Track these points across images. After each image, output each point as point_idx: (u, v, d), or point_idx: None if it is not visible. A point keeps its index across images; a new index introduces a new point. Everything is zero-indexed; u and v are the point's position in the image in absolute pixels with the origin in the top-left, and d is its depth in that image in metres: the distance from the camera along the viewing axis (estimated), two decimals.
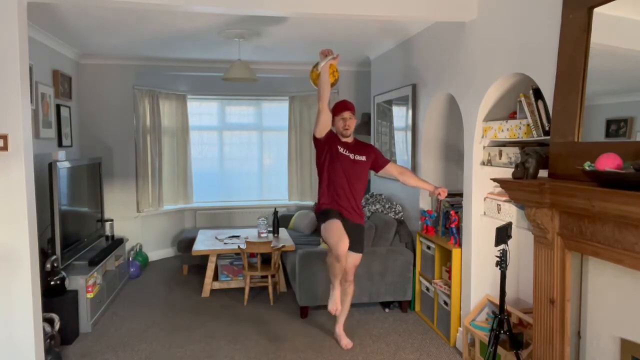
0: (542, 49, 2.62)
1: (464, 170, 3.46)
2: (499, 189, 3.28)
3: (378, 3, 3.11)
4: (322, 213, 3.40)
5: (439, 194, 3.42)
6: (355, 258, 3.48)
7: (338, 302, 3.39)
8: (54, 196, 3.77)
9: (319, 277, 4.03)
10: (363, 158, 3.44)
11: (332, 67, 3.42)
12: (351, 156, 3.40)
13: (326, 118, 3.36)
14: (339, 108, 3.42)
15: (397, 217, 4.51)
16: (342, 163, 3.37)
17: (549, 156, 2.48)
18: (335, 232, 3.22)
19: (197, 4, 2.92)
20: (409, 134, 4.45)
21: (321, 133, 3.39)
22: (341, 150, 3.39)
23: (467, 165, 3.39)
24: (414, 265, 4.20)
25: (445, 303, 3.69)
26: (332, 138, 3.41)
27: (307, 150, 6.46)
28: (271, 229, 5.18)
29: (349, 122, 3.39)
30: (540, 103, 2.64)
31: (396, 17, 3.18)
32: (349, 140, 3.45)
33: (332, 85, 3.45)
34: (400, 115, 4.68)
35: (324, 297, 4.02)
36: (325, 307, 4.05)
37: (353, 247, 3.43)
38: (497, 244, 2.60)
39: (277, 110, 6.66)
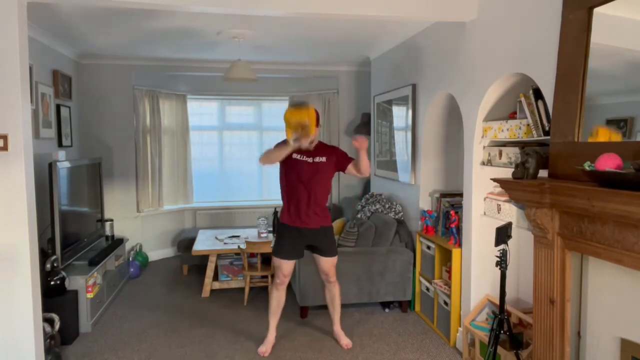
0: (542, 49, 2.62)
1: (464, 170, 3.46)
2: (499, 189, 3.28)
3: (378, 3, 3.11)
4: (278, 230, 3.50)
5: (356, 140, 3.23)
6: (330, 260, 3.51)
7: (269, 347, 3.48)
8: (54, 196, 3.77)
9: (318, 277, 4.03)
10: (323, 159, 3.40)
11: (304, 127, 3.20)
12: (308, 160, 3.36)
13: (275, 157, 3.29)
14: (288, 113, 3.22)
15: (397, 217, 4.51)
16: (298, 169, 3.34)
17: (549, 156, 2.48)
18: (279, 269, 3.42)
19: (197, 4, 2.92)
20: (409, 134, 4.45)
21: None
22: (296, 156, 3.34)
23: (467, 165, 3.39)
24: (414, 265, 4.20)
25: (445, 303, 3.69)
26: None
27: None
28: (271, 229, 5.18)
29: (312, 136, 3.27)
30: (540, 103, 2.64)
31: (396, 17, 3.18)
32: (310, 147, 3.34)
33: (300, 123, 3.21)
34: (400, 115, 4.68)
35: (324, 297, 4.01)
36: (325, 307, 4.03)
37: (325, 252, 3.48)
38: (497, 244, 2.60)
39: (277, 110, 6.66)
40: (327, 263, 3.50)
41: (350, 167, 3.45)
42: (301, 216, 3.38)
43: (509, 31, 2.93)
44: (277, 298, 3.51)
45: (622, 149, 2.04)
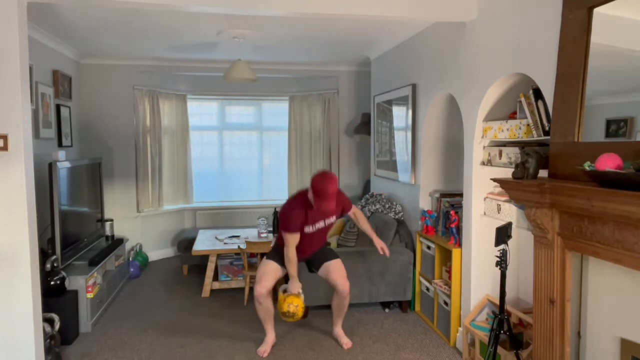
0: (542, 49, 2.62)
1: (464, 170, 3.46)
2: (499, 189, 3.28)
3: (378, 3, 3.11)
4: (274, 249, 3.53)
5: (382, 249, 3.48)
6: (336, 266, 3.48)
7: (269, 347, 3.48)
8: (54, 196, 3.77)
9: (319, 277, 4.03)
10: (332, 219, 3.44)
11: (295, 300, 3.25)
12: (320, 225, 3.37)
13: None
14: (321, 194, 3.06)
15: (397, 217, 4.51)
16: (310, 235, 3.38)
17: (549, 156, 2.48)
18: (263, 270, 3.38)
19: (197, 4, 2.92)
20: (409, 134, 4.45)
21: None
22: (308, 230, 3.32)
23: (467, 165, 3.39)
24: (414, 265, 4.20)
25: (445, 303, 3.69)
26: (299, 219, 3.24)
27: (307, 150, 6.47)
28: (271, 229, 5.18)
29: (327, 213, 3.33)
30: (540, 103, 2.64)
31: (396, 17, 3.18)
32: None
33: (285, 315, 3.26)
34: (400, 115, 4.68)
35: (324, 297, 4.02)
36: (325, 307, 4.05)
37: (329, 258, 3.52)
38: (497, 244, 2.60)
39: (277, 110, 6.67)
40: (334, 269, 3.45)
41: (350, 214, 3.59)
42: (305, 255, 3.52)
43: (509, 31, 2.93)
44: (264, 310, 3.42)
45: (622, 149, 2.04)
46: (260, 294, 3.34)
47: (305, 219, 3.27)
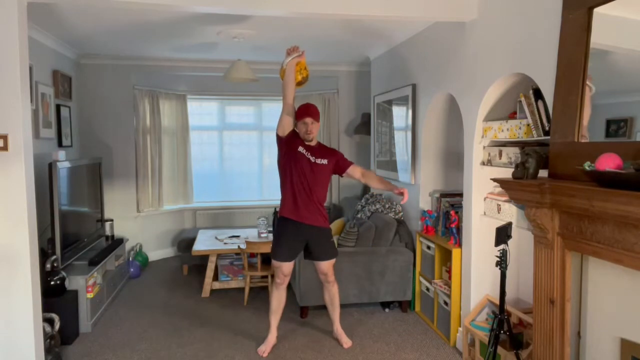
0: (542, 49, 2.62)
1: (464, 170, 3.46)
2: (499, 189, 3.28)
3: (378, 3, 3.11)
4: (276, 229, 3.51)
5: (401, 193, 3.36)
6: (329, 261, 3.52)
7: (269, 347, 3.49)
8: (54, 196, 3.77)
9: (319, 278, 4.03)
10: (325, 162, 3.42)
11: (300, 64, 3.40)
12: (312, 158, 3.38)
13: (288, 118, 3.36)
14: (301, 112, 3.37)
15: (397, 217, 4.51)
16: (302, 164, 3.36)
17: (549, 156, 2.48)
18: (279, 269, 3.43)
19: (197, 4, 2.92)
20: (409, 134, 4.45)
21: (283, 132, 3.40)
22: (301, 150, 3.37)
23: (467, 165, 3.39)
24: (414, 265, 4.20)
25: (445, 303, 3.69)
26: (294, 138, 3.40)
27: None
28: (271, 229, 5.18)
29: (311, 127, 3.37)
30: (540, 103, 2.64)
31: (396, 17, 3.18)
32: (312, 144, 3.43)
33: (301, 84, 3.44)
34: (400, 115, 4.68)
35: (324, 297, 4.01)
36: (325, 307, 4.03)
37: (322, 256, 3.49)
38: (497, 244, 2.60)
39: (277, 110, 6.66)
40: (326, 264, 3.51)
41: (350, 171, 3.51)
42: (300, 210, 3.38)
43: (509, 31, 2.93)
44: (278, 297, 3.51)
45: (622, 149, 2.04)
46: (283, 281, 3.46)
47: (298, 141, 3.38)
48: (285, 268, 3.44)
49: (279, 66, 3.64)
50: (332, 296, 3.60)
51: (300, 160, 3.36)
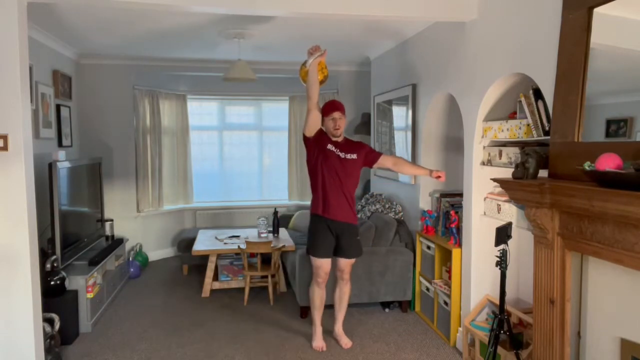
0: (542, 49, 2.62)
1: (464, 170, 3.46)
2: (499, 189, 3.28)
3: (378, 3, 3.11)
4: (311, 226, 3.51)
5: (439, 176, 3.41)
6: (350, 260, 3.54)
7: (322, 339, 3.55)
8: (54, 196, 3.77)
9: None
10: (354, 156, 3.45)
11: (321, 63, 3.43)
12: (341, 155, 3.41)
13: (315, 117, 3.39)
14: (328, 108, 3.42)
15: (397, 217, 4.51)
16: (332, 161, 3.39)
17: (549, 156, 2.48)
18: (320, 269, 3.46)
19: (197, 4, 2.92)
20: (409, 133, 4.45)
21: (311, 132, 3.43)
22: (330, 147, 3.41)
23: (467, 165, 3.39)
24: (414, 265, 4.20)
25: (445, 303, 3.69)
26: (322, 137, 3.44)
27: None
28: (271, 229, 5.18)
29: (339, 122, 3.40)
30: (540, 103, 2.64)
31: (396, 17, 3.18)
32: (340, 139, 3.47)
33: (322, 82, 3.46)
34: (400, 115, 4.68)
35: (331, 294, 4.01)
36: (326, 307, 4.03)
37: (348, 253, 3.50)
38: (497, 244, 2.60)
39: (277, 110, 6.66)
40: (347, 261, 3.53)
41: (381, 162, 3.54)
42: (332, 208, 3.41)
43: (509, 31, 2.93)
44: (320, 295, 3.55)
45: (622, 149, 2.04)
46: (324, 280, 3.51)
47: (326, 139, 3.42)
48: (327, 266, 3.47)
49: (298, 66, 3.69)
50: (343, 294, 3.61)
51: (329, 158, 3.39)
